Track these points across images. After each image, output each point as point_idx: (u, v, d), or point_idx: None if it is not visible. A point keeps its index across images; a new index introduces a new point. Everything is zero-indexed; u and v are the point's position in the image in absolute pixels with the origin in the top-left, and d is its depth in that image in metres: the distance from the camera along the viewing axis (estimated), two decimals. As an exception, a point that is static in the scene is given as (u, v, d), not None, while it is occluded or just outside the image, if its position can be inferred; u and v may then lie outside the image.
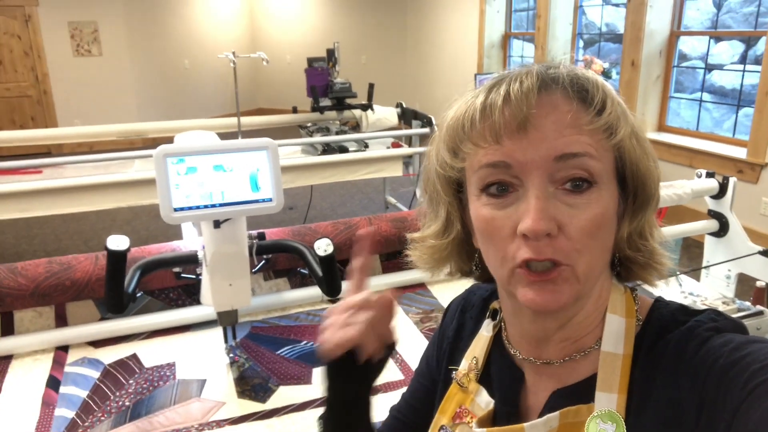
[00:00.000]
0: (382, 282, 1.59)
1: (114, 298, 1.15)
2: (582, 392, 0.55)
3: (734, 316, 1.77)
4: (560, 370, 0.58)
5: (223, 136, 2.32)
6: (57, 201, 2.78)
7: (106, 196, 2.84)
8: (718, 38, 4.40)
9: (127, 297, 1.18)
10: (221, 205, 1.10)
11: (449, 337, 0.71)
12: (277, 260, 1.61)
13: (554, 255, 0.50)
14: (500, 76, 0.53)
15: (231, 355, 1.41)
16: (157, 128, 3.73)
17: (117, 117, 7.00)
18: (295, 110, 4.14)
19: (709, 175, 1.91)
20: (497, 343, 0.65)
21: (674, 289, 1.98)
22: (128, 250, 1.12)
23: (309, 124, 4.01)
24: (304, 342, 1.48)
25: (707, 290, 1.93)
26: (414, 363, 1.35)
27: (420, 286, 1.66)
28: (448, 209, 0.58)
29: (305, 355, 1.43)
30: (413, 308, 1.56)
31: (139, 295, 1.54)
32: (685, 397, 0.49)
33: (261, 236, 1.38)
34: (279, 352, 1.44)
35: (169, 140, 1.52)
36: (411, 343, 1.43)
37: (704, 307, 1.71)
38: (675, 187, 1.84)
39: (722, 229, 1.91)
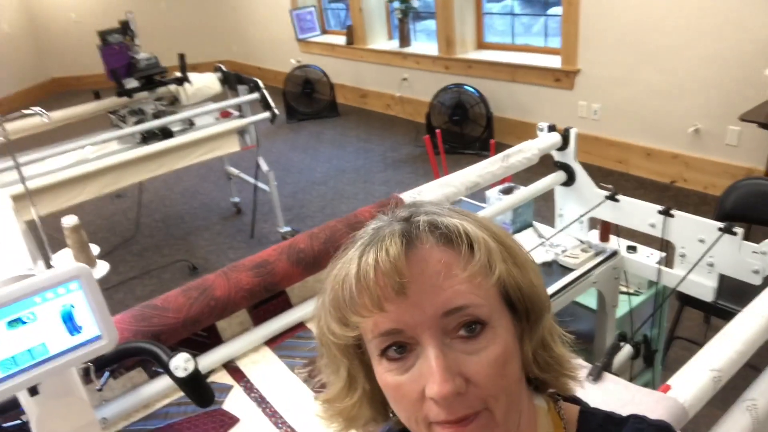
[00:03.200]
0: (259, 335, 1.41)
1: None
2: None
3: (594, 262, 1.86)
4: None
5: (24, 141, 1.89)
6: None
7: None
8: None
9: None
10: (32, 366, 0.85)
11: None
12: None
13: (468, 410, 0.49)
14: (367, 240, 0.53)
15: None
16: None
17: None
18: (97, 95, 3.57)
19: (551, 128, 1.93)
20: None
21: (534, 240, 2.05)
22: None
23: (119, 109, 3.49)
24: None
25: (565, 238, 2.01)
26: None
27: (299, 327, 1.49)
28: (349, 370, 0.57)
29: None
30: (297, 359, 1.39)
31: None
32: None
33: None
34: (158, 459, 1.23)
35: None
36: (301, 406, 1.27)
37: (580, 274, 1.75)
38: (524, 151, 1.84)
39: (570, 179, 1.97)
